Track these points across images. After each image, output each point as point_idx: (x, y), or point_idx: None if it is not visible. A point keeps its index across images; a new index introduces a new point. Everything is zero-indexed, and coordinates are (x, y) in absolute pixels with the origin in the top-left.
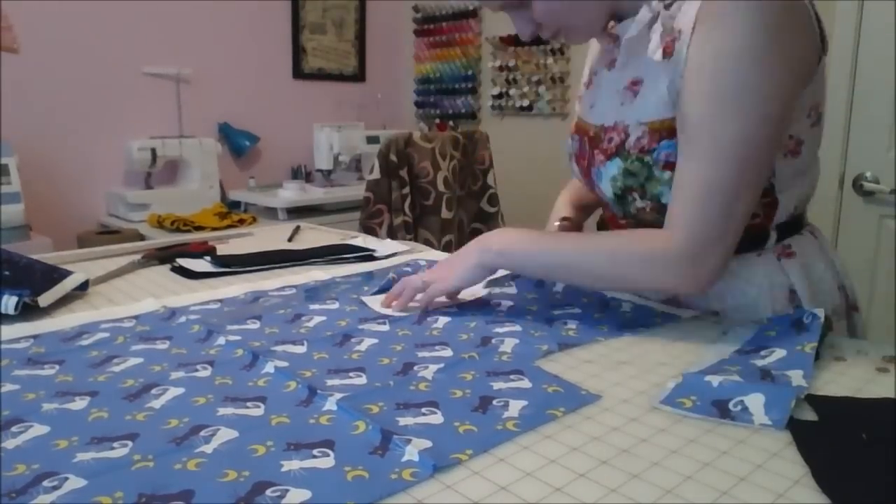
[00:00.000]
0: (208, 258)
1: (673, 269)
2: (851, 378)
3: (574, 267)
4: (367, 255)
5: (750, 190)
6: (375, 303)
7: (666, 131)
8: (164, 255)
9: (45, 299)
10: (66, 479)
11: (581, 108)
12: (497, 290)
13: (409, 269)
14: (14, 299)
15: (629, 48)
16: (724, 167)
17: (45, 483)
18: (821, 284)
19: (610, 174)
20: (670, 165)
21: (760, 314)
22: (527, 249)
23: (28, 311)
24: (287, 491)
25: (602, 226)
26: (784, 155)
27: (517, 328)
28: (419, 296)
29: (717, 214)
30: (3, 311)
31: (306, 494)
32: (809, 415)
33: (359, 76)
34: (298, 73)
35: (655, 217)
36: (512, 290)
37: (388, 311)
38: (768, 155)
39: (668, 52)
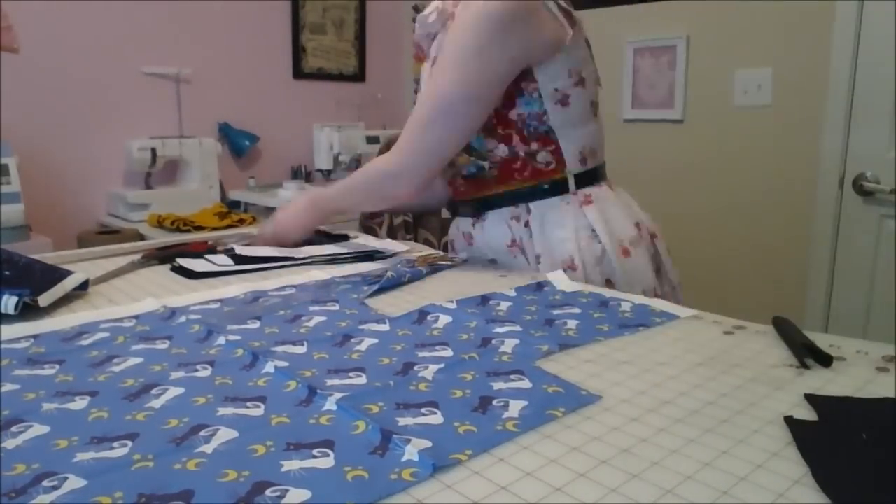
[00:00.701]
0: (231, 251)
1: (392, 180)
2: (851, 378)
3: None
4: (368, 255)
5: (438, 126)
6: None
7: None
8: (164, 255)
9: (45, 299)
10: (66, 479)
11: None
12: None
13: (407, 269)
14: (14, 299)
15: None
16: (420, 108)
17: (45, 483)
18: (615, 223)
19: None
20: None
21: (571, 252)
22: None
23: (28, 311)
24: (287, 491)
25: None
26: (555, 103)
27: (517, 328)
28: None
29: (416, 141)
30: (3, 311)
31: (306, 494)
32: (809, 415)
33: (359, 76)
34: (298, 73)
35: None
36: (511, 292)
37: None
38: (466, 108)
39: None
